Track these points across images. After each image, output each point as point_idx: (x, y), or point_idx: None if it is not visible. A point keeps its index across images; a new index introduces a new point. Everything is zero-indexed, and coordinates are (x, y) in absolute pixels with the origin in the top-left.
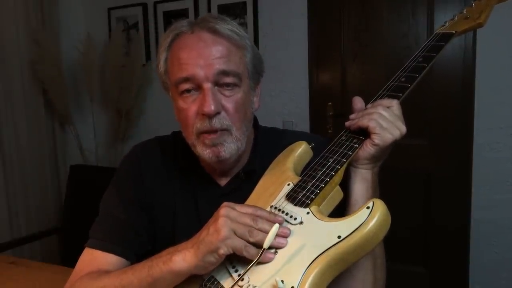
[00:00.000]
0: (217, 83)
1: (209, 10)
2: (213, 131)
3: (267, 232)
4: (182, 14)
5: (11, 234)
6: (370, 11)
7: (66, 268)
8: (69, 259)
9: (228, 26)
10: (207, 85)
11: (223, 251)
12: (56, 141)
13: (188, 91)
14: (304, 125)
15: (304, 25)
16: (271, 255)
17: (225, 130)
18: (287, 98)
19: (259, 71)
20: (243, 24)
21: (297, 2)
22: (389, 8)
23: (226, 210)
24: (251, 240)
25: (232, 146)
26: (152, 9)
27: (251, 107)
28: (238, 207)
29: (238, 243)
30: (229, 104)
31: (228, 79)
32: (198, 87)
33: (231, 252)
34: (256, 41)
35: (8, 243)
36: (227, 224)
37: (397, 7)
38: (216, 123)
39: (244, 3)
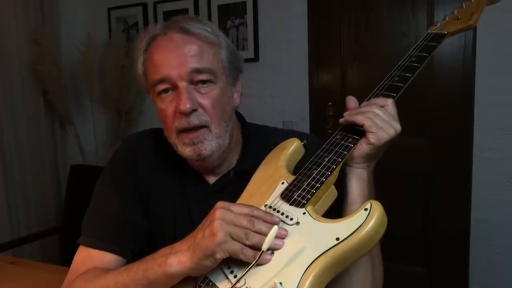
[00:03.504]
0: (191, 81)
1: (209, 10)
2: (191, 128)
3: (264, 234)
4: (182, 14)
5: (11, 234)
6: (370, 11)
7: (66, 268)
8: (69, 259)
9: (199, 25)
10: (182, 84)
11: (220, 255)
12: (56, 141)
13: (165, 91)
14: (304, 125)
15: (304, 25)
16: (268, 257)
17: (204, 127)
18: (287, 98)
19: (237, 67)
20: (243, 24)
21: (297, 2)
22: (389, 8)
23: (222, 212)
24: (248, 243)
25: (212, 144)
26: (152, 9)
27: (230, 103)
28: (234, 208)
29: (234, 247)
30: (205, 101)
31: (202, 76)
32: (174, 87)
33: (228, 256)
34: (256, 41)
35: (8, 243)
36: (223, 227)
37: (397, 7)
38: (194, 119)
39: (244, 3)
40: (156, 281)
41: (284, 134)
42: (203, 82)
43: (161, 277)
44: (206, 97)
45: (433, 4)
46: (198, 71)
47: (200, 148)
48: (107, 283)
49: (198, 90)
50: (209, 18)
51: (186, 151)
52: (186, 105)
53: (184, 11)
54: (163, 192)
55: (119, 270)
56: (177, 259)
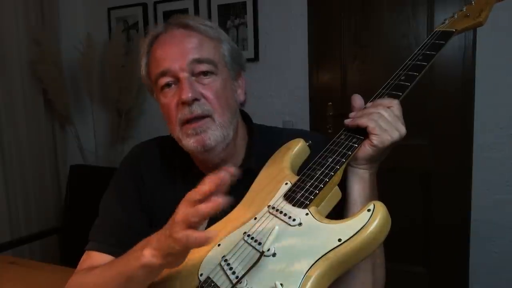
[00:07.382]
0: (193, 73)
1: (209, 10)
2: (194, 118)
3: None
4: (182, 14)
5: (11, 234)
6: (370, 11)
7: (66, 268)
8: (69, 259)
9: (200, 21)
10: (183, 75)
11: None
12: (56, 141)
13: (168, 85)
14: (304, 125)
15: (304, 25)
16: (200, 234)
17: (207, 117)
18: (287, 98)
19: (240, 63)
20: (243, 24)
21: (297, 2)
22: (389, 8)
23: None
24: (193, 220)
25: (216, 133)
26: (152, 9)
27: (233, 97)
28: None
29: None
30: (207, 92)
31: (203, 67)
32: (176, 80)
33: (185, 245)
34: (256, 41)
35: (8, 243)
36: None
37: (397, 7)
38: (197, 109)
39: (244, 3)
40: (134, 275)
41: (291, 135)
42: (205, 73)
43: (138, 270)
44: (208, 88)
45: (433, 4)
46: (198, 61)
47: (203, 138)
48: (96, 277)
49: (200, 82)
50: (209, 18)
51: (190, 142)
52: (188, 94)
53: (184, 11)
54: (166, 200)
55: (106, 265)
56: (150, 252)
